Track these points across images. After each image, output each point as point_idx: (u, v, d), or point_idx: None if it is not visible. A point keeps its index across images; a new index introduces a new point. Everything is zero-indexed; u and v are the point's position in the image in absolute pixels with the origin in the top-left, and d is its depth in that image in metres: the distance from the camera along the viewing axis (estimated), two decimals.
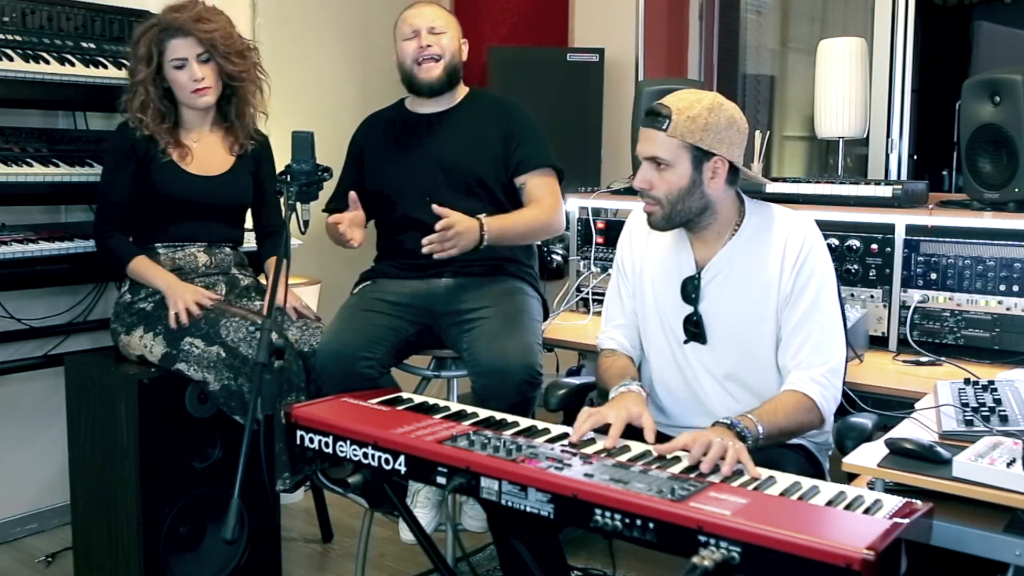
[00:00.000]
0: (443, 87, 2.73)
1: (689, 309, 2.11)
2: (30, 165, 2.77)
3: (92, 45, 2.96)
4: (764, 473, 1.70)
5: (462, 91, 2.83)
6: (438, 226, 2.39)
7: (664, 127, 1.97)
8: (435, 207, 2.42)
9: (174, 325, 2.55)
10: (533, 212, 2.67)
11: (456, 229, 2.41)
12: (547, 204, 2.69)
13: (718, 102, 2.01)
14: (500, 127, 2.72)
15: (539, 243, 2.98)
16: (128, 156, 2.67)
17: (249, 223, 2.97)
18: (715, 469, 1.71)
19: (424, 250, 2.42)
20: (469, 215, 2.52)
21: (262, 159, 2.88)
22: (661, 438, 1.89)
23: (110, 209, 2.70)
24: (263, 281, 2.90)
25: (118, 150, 2.70)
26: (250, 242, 2.99)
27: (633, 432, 1.91)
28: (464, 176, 2.68)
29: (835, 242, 2.81)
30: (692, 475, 1.67)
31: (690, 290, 2.10)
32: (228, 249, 2.82)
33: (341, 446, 1.89)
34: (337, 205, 2.84)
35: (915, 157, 3.60)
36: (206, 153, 2.76)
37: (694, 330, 2.11)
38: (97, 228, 2.74)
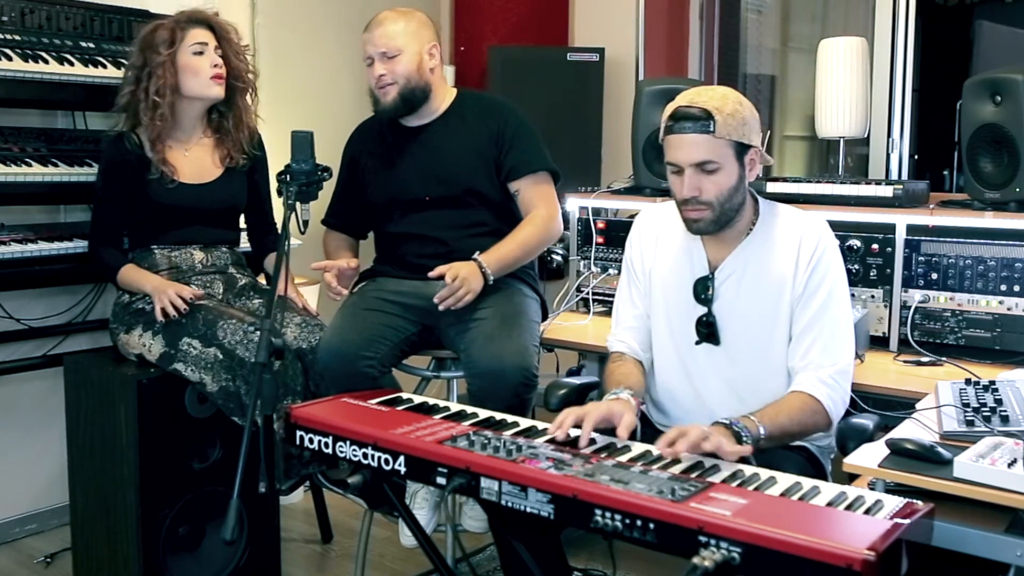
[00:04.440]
0: (399, 111, 2.67)
1: (702, 310, 2.09)
2: (29, 165, 2.77)
3: (91, 45, 2.96)
4: (748, 471, 1.70)
5: (447, 96, 2.75)
6: (447, 280, 2.44)
7: (711, 129, 1.94)
8: (432, 272, 2.47)
9: (160, 318, 2.55)
10: (527, 231, 2.65)
11: (462, 276, 2.45)
12: (541, 216, 2.67)
13: (736, 94, 2.01)
14: (490, 131, 2.69)
15: None
16: (121, 168, 2.65)
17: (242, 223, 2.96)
18: (715, 468, 1.71)
19: (440, 307, 2.46)
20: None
21: (256, 170, 2.88)
22: None
23: (102, 223, 2.73)
24: (261, 281, 2.89)
25: (111, 164, 2.69)
26: (245, 242, 2.98)
27: (643, 434, 1.91)
28: (458, 187, 2.67)
29: (836, 242, 2.80)
30: (693, 475, 1.67)
31: (702, 290, 2.09)
32: (224, 249, 2.81)
33: (341, 446, 1.89)
34: (334, 218, 2.86)
35: (916, 157, 3.60)
36: (196, 162, 2.74)
37: (707, 331, 2.09)
38: (91, 237, 2.76)
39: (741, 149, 1.98)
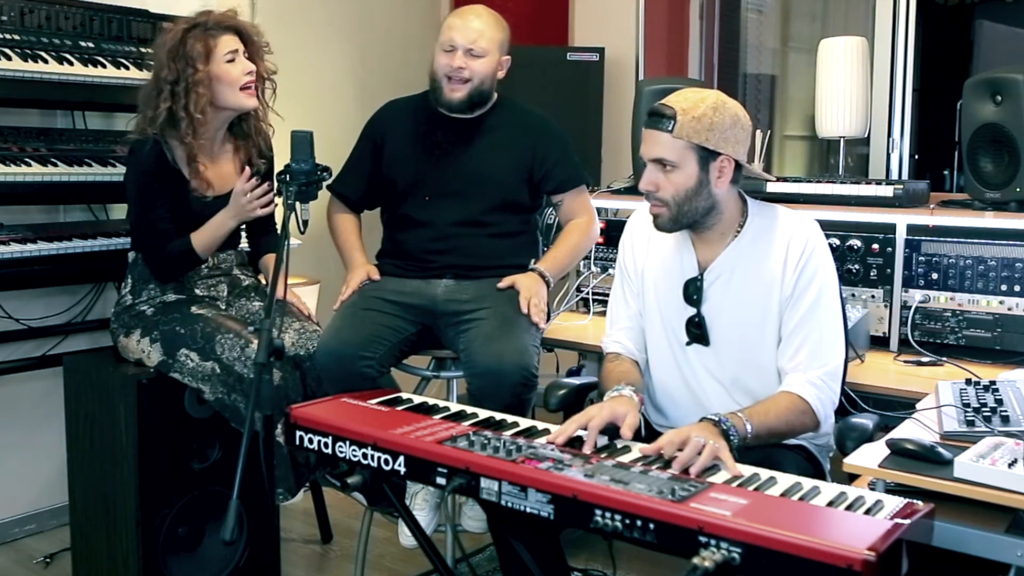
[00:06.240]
0: (463, 109, 2.71)
1: (691, 311, 2.10)
2: (28, 165, 2.76)
3: (91, 44, 2.95)
4: (748, 471, 1.70)
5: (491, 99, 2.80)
6: (519, 290, 2.55)
7: (669, 128, 1.96)
8: (501, 283, 2.59)
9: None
10: (574, 236, 2.79)
11: (533, 290, 2.56)
12: (584, 221, 2.82)
13: (721, 100, 1.99)
14: (530, 144, 2.75)
15: (540, 244, 2.98)
16: (162, 175, 2.58)
17: None
18: (716, 468, 1.70)
19: (534, 319, 2.52)
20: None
21: (267, 173, 2.83)
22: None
23: (157, 230, 2.60)
24: (262, 281, 2.89)
25: (152, 170, 2.57)
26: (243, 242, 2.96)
27: (639, 434, 1.90)
28: (490, 188, 2.71)
29: (836, 242, 2.80)
30: (693, 475, 1.66)
31: (692, 291, 2.09)
32: (230, 252, 2.79)
33: (340, 447, 1.89)
34: (342, 187, 2.84)
35: (916, 157, 3.60)
36: (218, 171, 2.69)
37: (696, 332, 2.10)
38: (149, 246, 2.62)
39: (706, 154, 1.97)
